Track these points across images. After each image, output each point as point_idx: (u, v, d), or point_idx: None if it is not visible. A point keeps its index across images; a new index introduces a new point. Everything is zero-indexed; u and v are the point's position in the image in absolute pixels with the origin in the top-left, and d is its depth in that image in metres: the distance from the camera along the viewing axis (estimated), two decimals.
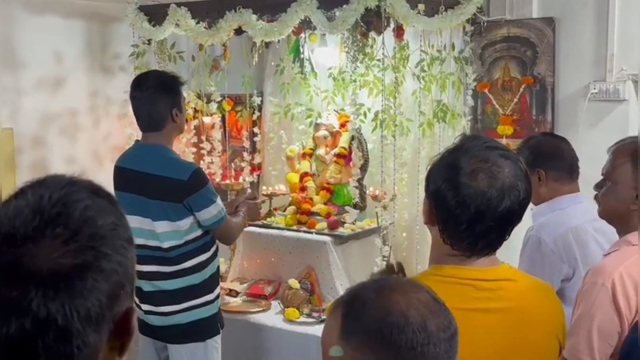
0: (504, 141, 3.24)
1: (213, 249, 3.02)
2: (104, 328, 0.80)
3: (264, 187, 4.14)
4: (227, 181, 4.14)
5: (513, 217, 1.50)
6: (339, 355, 1.06)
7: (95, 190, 0.85)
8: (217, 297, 3.05)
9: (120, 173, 3.01)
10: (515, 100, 3.56)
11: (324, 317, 3.38)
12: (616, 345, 1.80)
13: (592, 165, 2.01)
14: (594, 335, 1.77)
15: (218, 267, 3.09)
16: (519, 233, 1.62)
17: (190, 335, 2.97)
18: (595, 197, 1.98)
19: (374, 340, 1.03)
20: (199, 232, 2.92)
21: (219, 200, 2.93)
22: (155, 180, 2.85)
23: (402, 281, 1.22)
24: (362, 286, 1.14)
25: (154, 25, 3.81)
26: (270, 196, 3.98)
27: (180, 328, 2.96)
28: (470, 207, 1.45)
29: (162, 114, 2.90)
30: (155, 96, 2.91)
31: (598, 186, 1.98)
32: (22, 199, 0.81)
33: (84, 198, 0.82)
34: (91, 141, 4.27)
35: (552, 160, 2.51)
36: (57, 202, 0.80)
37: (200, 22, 3.63)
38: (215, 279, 3.04)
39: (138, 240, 2.91)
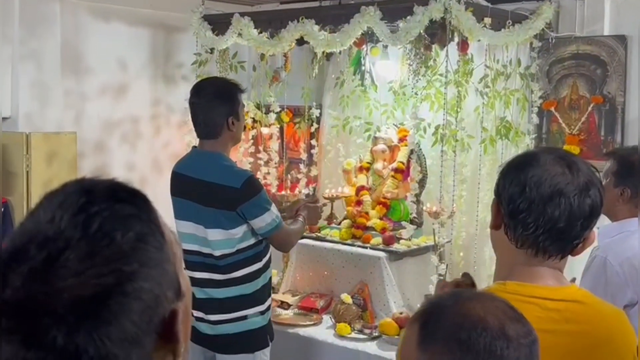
0: None
1: (265, 259, 2.96)
2: (145, 342, 0.74)
3: (326, 190, 4.05)
4: (283, 192, 4.12)
5: (580, 216, 1.42)
6: None
7: (114, 194, 0.77)
8: (268, 308, 3.00)
9: (176, 178, 3.00)
10: (583, 119, 3.44)
11: (376, 334, 3.31)
12: None
13: None
14: None
15: (270, 278, 3.04)
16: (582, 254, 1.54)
17: (239, 346, 2.93)
18: None
19: (453, 345, 1.02)
20: (251, 241, 2.88)
21: (273, 208, 2.87)
22: (208, 187, 2.83)
23: (478, 292, 1.23)
24: (439, 297, 1.16)
25: (217, 35, 3.84)
26: (332, 199, 3.92)
27: (229, 338, 2.92)
28: (541, 187, 1.41)
29: (217, 122, 2.86)
30: (212, 103, 2.87)
31: None
32: (31, 221, 0.75)
33: (101, 210, 0.74)
34: (151, 148, 4.31)
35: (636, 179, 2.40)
36: (68, 225, 0.73)
37: (263, 32, 3.64)
38: (266, 289, 2.99)
39: (192, 247, 2.93)
